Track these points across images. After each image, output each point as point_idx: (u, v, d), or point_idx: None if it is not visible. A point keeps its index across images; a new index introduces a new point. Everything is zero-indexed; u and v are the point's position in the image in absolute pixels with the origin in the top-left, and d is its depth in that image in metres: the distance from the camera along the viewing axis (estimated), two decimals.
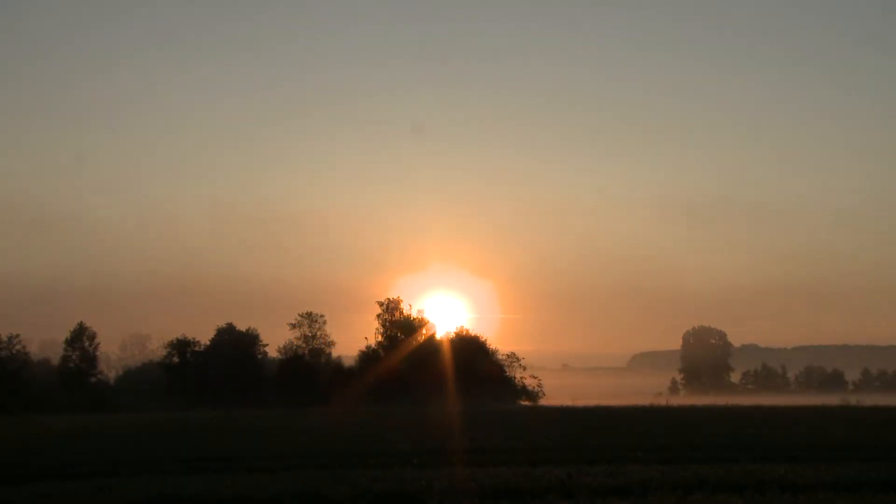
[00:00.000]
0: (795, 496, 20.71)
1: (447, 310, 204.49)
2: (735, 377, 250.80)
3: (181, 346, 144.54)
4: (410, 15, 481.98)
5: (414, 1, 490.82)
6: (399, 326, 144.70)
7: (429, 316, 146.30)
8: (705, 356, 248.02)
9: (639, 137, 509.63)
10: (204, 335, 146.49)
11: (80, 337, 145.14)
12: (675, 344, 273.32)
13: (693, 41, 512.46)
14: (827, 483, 22.95)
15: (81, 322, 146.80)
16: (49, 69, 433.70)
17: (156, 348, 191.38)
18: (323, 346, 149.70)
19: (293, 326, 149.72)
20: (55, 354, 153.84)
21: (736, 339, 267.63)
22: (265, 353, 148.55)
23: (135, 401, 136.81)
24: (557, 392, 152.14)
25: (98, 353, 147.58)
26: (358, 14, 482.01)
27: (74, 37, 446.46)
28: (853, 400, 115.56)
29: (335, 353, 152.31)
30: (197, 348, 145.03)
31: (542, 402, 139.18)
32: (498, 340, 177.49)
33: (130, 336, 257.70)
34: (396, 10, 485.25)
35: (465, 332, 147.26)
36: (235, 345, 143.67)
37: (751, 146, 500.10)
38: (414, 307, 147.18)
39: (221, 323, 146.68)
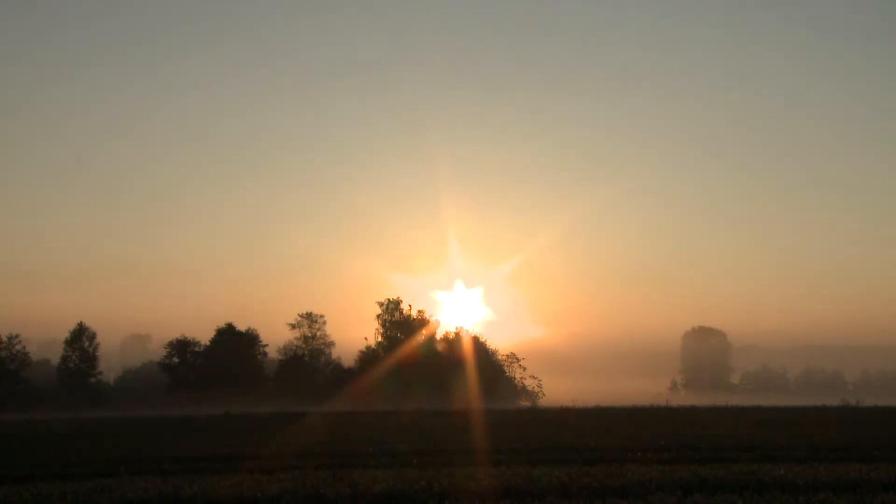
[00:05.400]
0: (795, 496, 20.69)
1: (447, 311, 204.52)
2: (735, 378, 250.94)
3: (181, 346, 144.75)
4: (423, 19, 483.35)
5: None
6: (399, 326, 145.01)
7: (428, 316, 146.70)
8: (705, 357, 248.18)
9: (647, 138, 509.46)
10: (204, 335, 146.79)
11: (80, 337, 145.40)
12: (675, 345, 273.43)
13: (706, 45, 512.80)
14: (827, 483, 22.93)
15: (81, 322, 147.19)
16: (51, 75, 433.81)
17: (156, 348, 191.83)
18: (323, 347, 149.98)
19: (293, 326, 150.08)
20: (55, 354, 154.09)
21: (736, 339, 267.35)
22: (265, 353, 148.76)
23: (135, 401, 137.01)
24: (557, 392, 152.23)
25: (98, 353, 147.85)
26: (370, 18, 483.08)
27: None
28: (853, 400, 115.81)
29: (335, 353, 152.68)
30: (197, 348, 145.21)
31: (542, 402, 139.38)
32: (498, 341, 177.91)
33: (130, 336, 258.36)
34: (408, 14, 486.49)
35: (465, 333, 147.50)
36: (235, 345, 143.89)
37: (755, 153, 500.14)
38: (414, 307, 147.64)
39: (221, 323, 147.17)
